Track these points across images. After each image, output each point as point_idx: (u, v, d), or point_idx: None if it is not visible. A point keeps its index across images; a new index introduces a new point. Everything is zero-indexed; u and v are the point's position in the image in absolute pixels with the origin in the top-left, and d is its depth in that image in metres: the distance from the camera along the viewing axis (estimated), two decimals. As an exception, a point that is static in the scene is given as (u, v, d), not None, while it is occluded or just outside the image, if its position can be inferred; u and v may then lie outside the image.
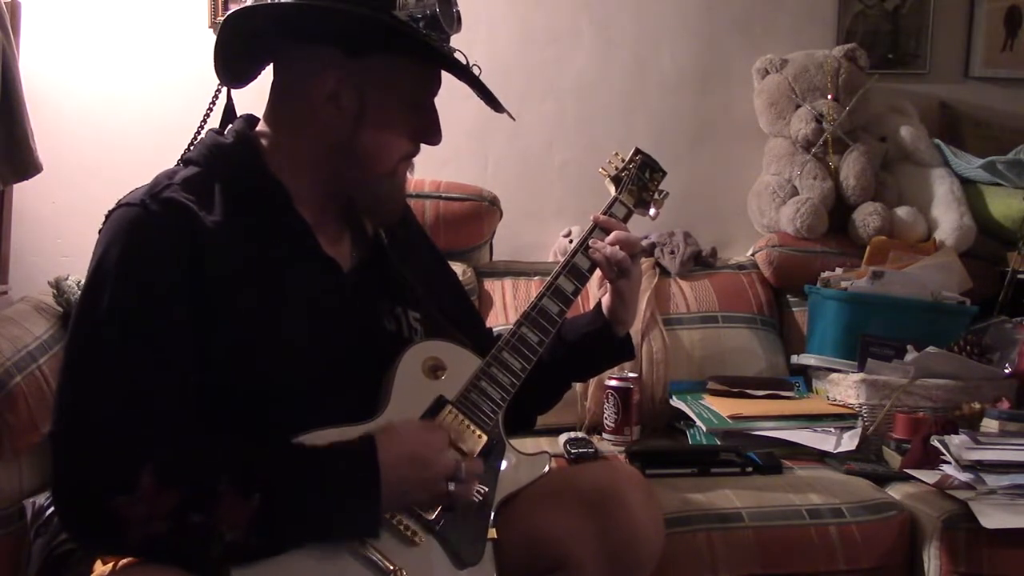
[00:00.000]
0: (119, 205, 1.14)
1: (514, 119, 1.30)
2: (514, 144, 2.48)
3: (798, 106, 2.41)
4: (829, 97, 2.40)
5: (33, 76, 2.21)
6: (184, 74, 2.35)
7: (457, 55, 1.20)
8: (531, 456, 1.31)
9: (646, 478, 1.37)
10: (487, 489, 1.20)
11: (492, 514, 1.21)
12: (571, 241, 2.42)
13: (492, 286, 2.25)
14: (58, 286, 1.86)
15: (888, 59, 2.60)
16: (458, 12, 1.21)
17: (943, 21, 2.61)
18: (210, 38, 2.37)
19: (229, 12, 1.17)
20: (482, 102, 1.28)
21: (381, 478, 1.07)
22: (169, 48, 2.37)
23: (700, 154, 2.53)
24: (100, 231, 1.13)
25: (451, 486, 1.12)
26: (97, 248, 1.12)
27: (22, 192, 2.23)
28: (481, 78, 1.22)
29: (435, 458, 1.12)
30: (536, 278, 2.27)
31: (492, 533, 1.19)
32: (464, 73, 1.21)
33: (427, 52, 1.18)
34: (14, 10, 2.18)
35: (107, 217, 1.14)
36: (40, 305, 1.83)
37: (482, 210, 2.27)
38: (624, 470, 1.33)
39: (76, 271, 1.92)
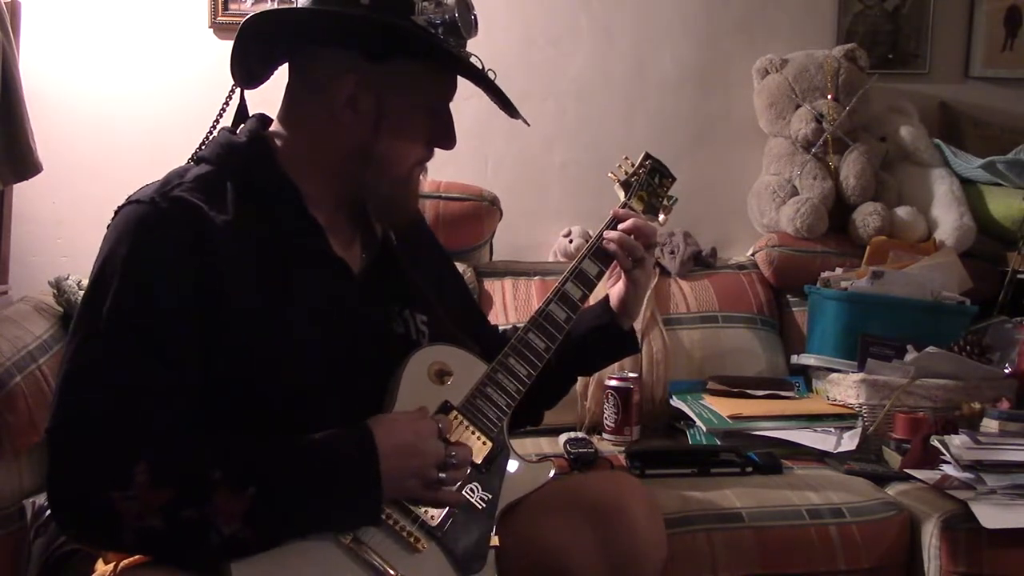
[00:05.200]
0: (129, 201, 1.13)
1: (528, 124, 1.31)
2: (514, 144, 2.48)
3: (798, 106, 2.41)
4: (829, 97, 2.40)
5: (33, 76, 2.21)
6: (184, 74, 2.35)
7: (473, 60, 1.20)
8: (535, 463, 1.31)
9: (648, 488, 1.36)
10: (491, 496, 1.19)
11: (495, 521, 1.20)
12: (571, 241, 2.42)
13: (492, 286, 2.25)
14: (58, 286, 1.87)
15: (888, 59, 2.60)
16: (475, 17, 1.22)
17: (943, 21, 2.61)
18: (210, 38, 2.37)
19: (249, 15, 1.16)
20: (481, 103, 1.28)
21: (380, 461, 1.06)
22: (169, 48, 2.37)
23: (700, 154, 2.53)
24: (108, 226, 1.12)
25: (441, 474, 1.11)
26: (104, 244, 1.11)
27: (22, 192, 2.23)
28: (496, 83, 1.22)
29: (423, 446, 1.11)
30: (536, 278, 2.27)
31: (495, 540, 1.18)
32: (481, 79, 1.21)
33: (445, 57, 1.18)
34: (14, 10, 2.18)
35: (116, 213, 1.13)
36: (40, 305, 1.83)
37: (482, 210, 2.27)
38: (628, 481, 1.32)
39: (76, 271, 1.92)
